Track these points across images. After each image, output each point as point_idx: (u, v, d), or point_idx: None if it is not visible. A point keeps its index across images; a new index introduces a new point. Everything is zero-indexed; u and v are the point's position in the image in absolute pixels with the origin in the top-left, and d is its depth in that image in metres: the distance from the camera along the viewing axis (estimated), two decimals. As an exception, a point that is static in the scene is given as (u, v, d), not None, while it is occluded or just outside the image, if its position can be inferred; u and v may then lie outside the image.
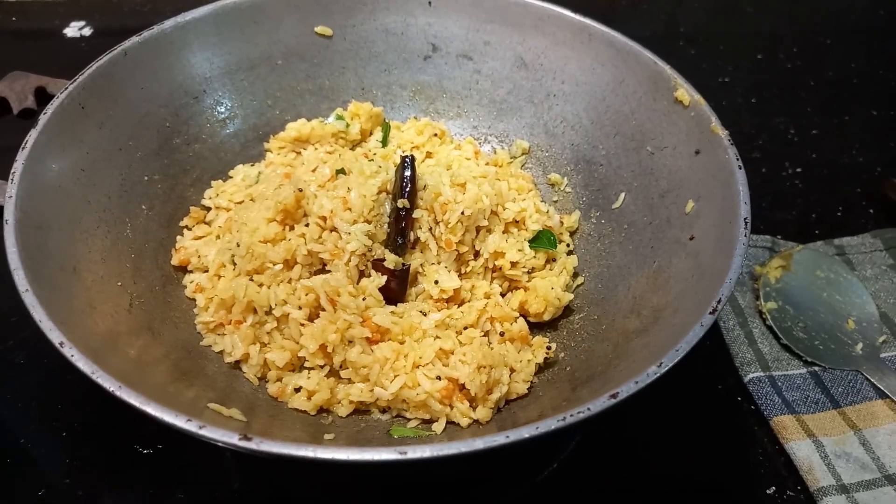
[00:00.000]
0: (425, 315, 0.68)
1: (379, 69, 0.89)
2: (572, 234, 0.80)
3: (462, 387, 0.62)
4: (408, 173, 0.70)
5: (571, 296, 0.73)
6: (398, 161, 0.73)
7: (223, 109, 0.84)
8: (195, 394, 0.59)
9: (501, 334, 0.68)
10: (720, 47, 1.30)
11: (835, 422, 0.75)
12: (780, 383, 0.78)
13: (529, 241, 0.74)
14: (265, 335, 0.67)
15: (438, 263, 0.71)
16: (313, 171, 0.76)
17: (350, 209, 0.68)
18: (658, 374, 0.50)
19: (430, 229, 0.71)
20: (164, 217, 0.76)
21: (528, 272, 0.74)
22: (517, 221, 0.75)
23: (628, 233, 0.75)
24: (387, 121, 0.89)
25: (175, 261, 0.73)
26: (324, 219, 0.69)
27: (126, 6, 1.33)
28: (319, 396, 0.63)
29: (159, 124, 0.78)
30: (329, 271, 0.68)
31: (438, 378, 0.62)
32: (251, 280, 0.68)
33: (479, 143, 0.89)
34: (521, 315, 0.72)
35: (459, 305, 0.70)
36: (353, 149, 0.85)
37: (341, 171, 0.73)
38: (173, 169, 0.78)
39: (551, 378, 0.67)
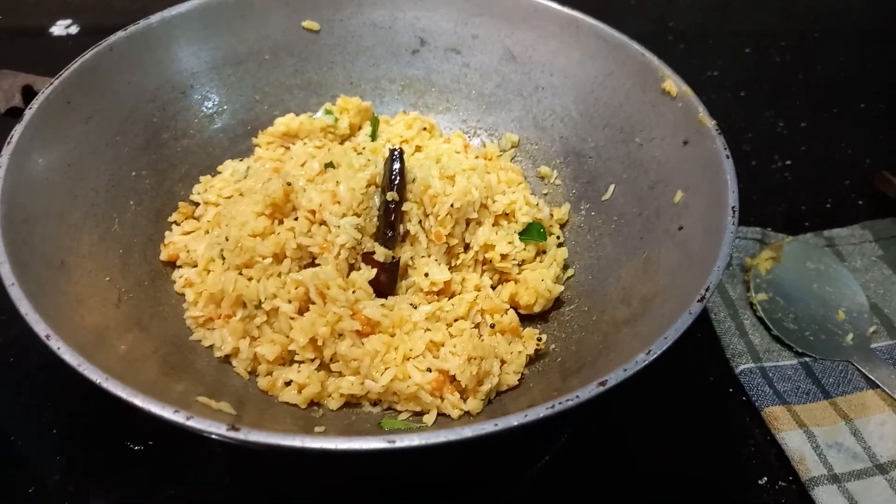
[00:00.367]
0: (415, 308, 0.67)
1: (367, 63, 0.89)
2: (562, 226, 0.80)
3: (453, 378, 0.62)
4: (397, 166, 0.70)
5: (562, 288, 0.73)
6: (387, 154, 0.73)
7: (211, 104, 0.83)
8: (184, 388, 0.59)
9: (492, 326, 0.68)
10: (710, 42, 1.31)
11: (826, 412, 0.75)
12: (771, 374, 0.78)
13: (519, 234, 0.74)
14: (255, 329, 0.67)
15: (428, 256, 0.71)
16: (302, 165, 0.76)
17: (339, 202, 0.68)
18: (647, 362, 0.50)
19: (420, 222, 0.71)
20: (153, 212, 0.75)
21: (519, 264, 0.74)
22: (507, 214, 0.75)
23: (618, 224, 0.75)
24: (375, 115, 0.88)
25: (164, 256, 0.73)
26: (313, 212, 0.69)
27: (114, 4, 1.32)
28: (310, 390, 0.63)
29: (147, 119, 0.77)
30: (318, 265, 0.68)
31: (429, 370, 0.62)
32: (240, 274, 0.67)
33: (469, 137, 0.89)
34: (511, 307, 0.72)
35: (450, 298, 0.70)
36: (342, 143, 0.85)
37: (330, 165, 0.73)
38: (161, 164, 0.78)
39: (542, 369, 0.67)
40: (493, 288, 0.73)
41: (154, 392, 0.50)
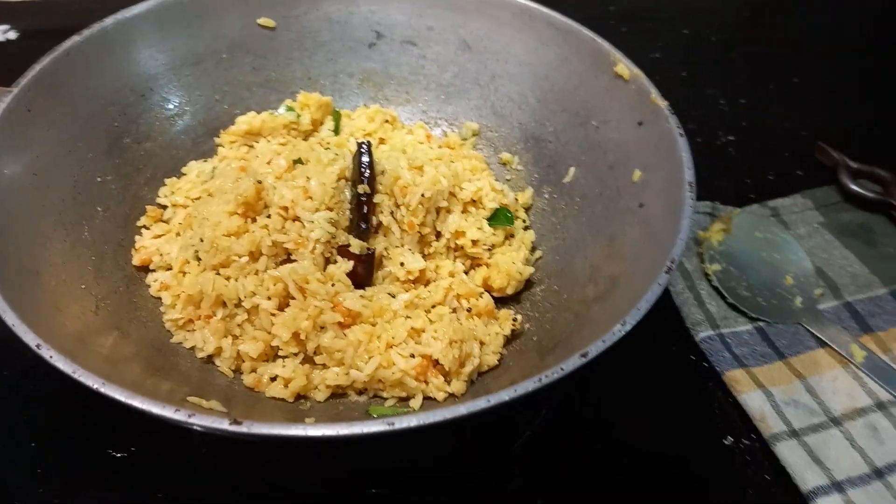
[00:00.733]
0: (394, 297, 0.69)
1: (325, 58, 0.89)
2: (527, 210, 0.83)
3: (436, 362, 0.64)
4: (366, 159, 0.71)
5: (532, 269, 0.75)
6: (354, 148, 0.74)
7: (171, 106, 0.83)
8: (171, 388, 0.59)
9: (468, 310, 0.70)
10: (649, 25, 1.35)
11: (781, 372, 0.80)
12: (729, 340, 0.82)
13: (488, 219, 0.76)
14: (236, 328, 0.68)
15: (402, 246, 0.73)
16: (268, 163, 0.76)
17: (311, 198, 0.69)
18: (623, 332, 0.52)
19: (392, 213, 0.72)
20: (121, 217, 0.75)
21: (489, 249, 0.76)
22: (474, 201, 0.77)
23: (581, 205, 0.77)
24: (337, 110, 0.89)
25: (136, 261, 0.73)
26: (285, 209, 0.69)
27: (51, 8, 1.28)
28: (296, 383, 0.64)
29: (107, 124, 0.77)
30: (294, 261, 0.69)
31: (412, 356, 0.64)
32: (218, 274, 0.68)
33: (430, 127, 0.90)
34: (485, 290, 0.74)
35: (425, 285, 0.72)
36: (305, 139, 0.86)
37: (298, 161, 0.74)
38: (125, 168, 0.77)
39: (519, 349, 0.70)
40: (466, 273, 0.75)
41: (144, 393, 0.50)
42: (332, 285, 0.67)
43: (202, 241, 0.68)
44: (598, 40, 0.77)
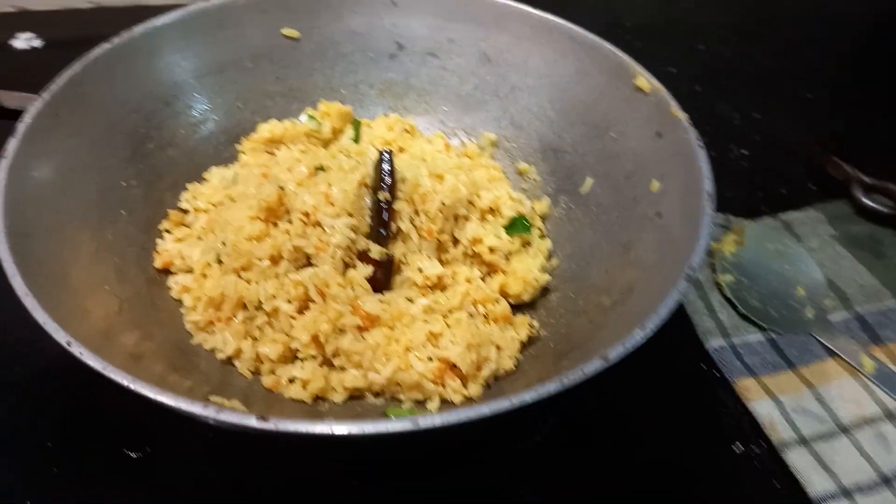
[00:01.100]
0: (412, 301, 0.70)
1: (346, 69, 0.91)
2: (544, 219, 0.84)
3: (453, 366, 0.65)
4: (387, 167, 0.72)
5: (548, 277, 0.76)
6: (373, 156, 0.75)
7: (194, 113, 0.84)
8: (192, 386, 0.61)
9: (485, 316, 0.71)
10: (663, 39, 1.36)
11: (791, 381, 0.80)
12: (739, 349, 0.83)
13: (505, 227, 0.78)
14: (256, 330, 0.69)
15: (420, 252, 0.74)
16: (289, 169, 0.78)
17: (332, 204, 0.70)
18: (644, 338, 0.53)
19: (411, 220, 0.73)
20: (143, 221, 0.76)
21: (506, 256, 0.77)
22: (492, 209, 0.78)
23: (597, 214, 0.78)
24: (357, 120, 0.91)
25: (158, 263, 0.74)
26: (307, 214, 0.71)
27: (75, 17, 1.31)
28: (314, 385, 0.65)
29: (131, 130, 0.78)
30: (314, 265, 0.70)
31: (430, 359, 0.65)
32: (239, 277, 0.69)
33: (448, 137, 0.92)
34: (501, 296, 0.75)
35: (443, 291, 0.73)
36: (325, 147, 0.87)
37: (320, 168, 0.75)
38: (148, 174, 0.79)
39: (535, 354, 0.70)
40: (483, 280, 0.76)
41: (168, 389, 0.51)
42: (352, 289, 0.68)
43: (224, 244, 0.69)
44: (618, 53, 0.78)
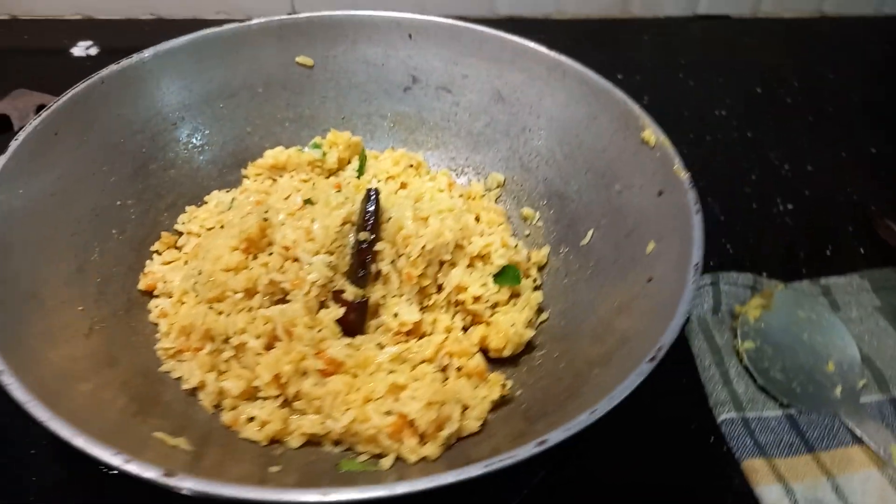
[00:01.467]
0: (382, 348, 0.68)
1: (359, 99, 0.90)
2: (541, 268, 0.80)
3: (412, 423, 0.62)
4: (371, 207, 0.71)
5: (532, 333, 0.72)
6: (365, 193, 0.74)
7: (201, 136, 0.85)
8: (145, 421, 0.60)
9: (458, 369, 0.68)
10: (720, 80, 1.30)
11: (808, 466, 0.73)
12: (753, 425, 0.77)
13: (494, 276, 0.74)
14: (222, 363, 0.68)
15: (400, 296, 0.72)
16: (286, 198, 0.77)
17: (313, 239, 0.69)
18: (589, 422, 0.49)
19: (393, 262, 0.71)
20: (136, 241, 0.77)
21: (492, 307, 0.74)
22: (482, 256, 0.75)
23: (594, 270, 0.74)
24: (364, 150, 0.89)
25: (142, 285, 0.75)
26: (287, 248, 0.70)
27: (133, 26, 1.36)
28: (271, 427, 0.63)
29: (135, 150, 0.79)
30: (290, 301, 0.69)
31: (389, 413, 0.62)
32: (211, 308, 0.68)
33: (457, 175, 0.89)
34: (482, 350, 0.72)
35: (420, 338, 0.70)
36: (328, 177, 0.86)
37: (308, 202, 0.74)
38: (148, 194, 0.79)
39: (506, 415, 0.67)
40: (466, 329, 0.73)
41: (112, 428, 0.51)
42: (319, 331, 0.66)
43: (200, 273, 0.69)
44: (628, 102, 0.74)
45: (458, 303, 0.73)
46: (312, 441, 0.65)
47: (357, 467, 0.62)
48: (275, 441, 0.65)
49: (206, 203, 0.83)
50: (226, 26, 0.84)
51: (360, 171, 0.86)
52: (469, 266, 0.74)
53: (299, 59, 0.88)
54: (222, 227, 0.77)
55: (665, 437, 0.75)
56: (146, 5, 1.33)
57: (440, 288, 0.73)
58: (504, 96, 0.85)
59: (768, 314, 0.86)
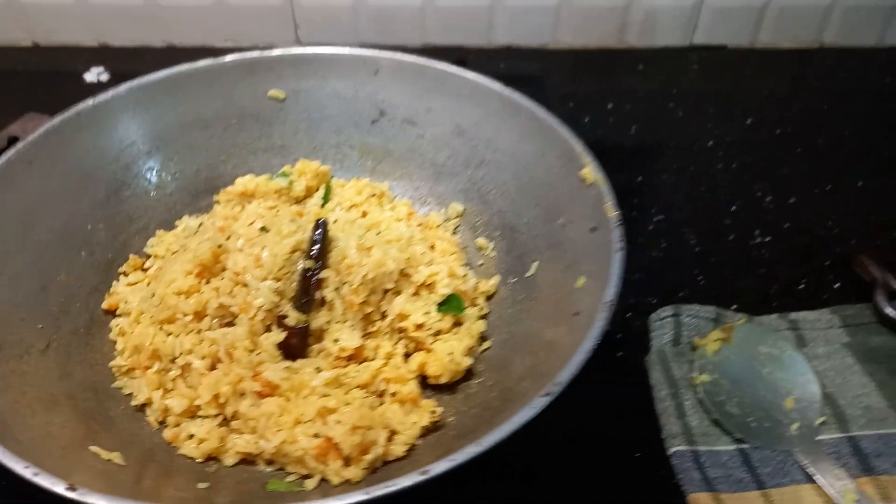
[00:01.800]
0: (320, 371, 0.70)
1: (330, 129, 0.94)
2: (490, 297, 0.82)
3: (336, 446, 0.64)
4: (317, 236, 0.74)
5: (470, 361, 0.74)
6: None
7: (175, 164, 0.89)
8: (87, 436, 0.64)
9: (393, 395, 0.70)
10: (710, 110, 1.30)
11: (755, 503, 0.73)
12: (703, 459, 0.76)
13: (438, 304, 0.76)
14: (169, 382, 0.71)
15: (344, 322, 0.74)
16: (250, 224, 0.81)
17: (261, 266, 0.72)
18: (474, 454, 0.51)
19: (337, 289, 0.74)
20: (104, 263, 0.81)
21: (435, 334, 0.76)
22: (428, 285, 0.77)
23: (535, 302, 0.76)
24: (330, 180, 0.93)
25: (105, 304, 0.79)
26: (237, 274, 0.73)
27: (144, 53, 1.42)
28: (207, 444, 0.67)
29: (109, 177, 0.84)
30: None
31: (316, 436, 0.65)
32: (161, 328, 0.72)
33: (420, 204, 0.92)
34: (422, 376, 0.74)
35: (360, 364, 0.73)
36: (293, 205, 0.90)
37: (263, 229, 0.78)
38: (119, 218, 0.84)
39: (435, 441, 0.69)
40: (409, 356, 0.76)
41: (40, 439, 0.54)
42: (258, 354, 0.69)
43: (153, 296, 0.73)
44: (571, 140, 0.76)
45: (400, 329, 0.76)
46: (247, 460, 0.68)
47: (283, 487, 0.65)
48: (211, 458, 0.68)
49: (176, 227, 0.87)
50: (200, 63, 0.89)
51: (326, 199, 0.90)
52: (414, 294, 0.77)
53: (271, 92, 0.92)
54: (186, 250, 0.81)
55: (615, 469, 0.76)
56: (160, 34, 1.40)
57: (384, 315, 0.76)
58: (464, 130, 0.88)
59: (728, 348, 0.86)
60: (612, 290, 0.61)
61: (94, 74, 1.35)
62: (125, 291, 0.79)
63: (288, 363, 0.71)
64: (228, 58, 0.89)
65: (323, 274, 0.74)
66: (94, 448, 0.61)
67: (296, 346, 0.72)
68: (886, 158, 1.18)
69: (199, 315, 0.72)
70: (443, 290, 0.77)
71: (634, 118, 1.29)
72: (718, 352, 0.85)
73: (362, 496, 0.48)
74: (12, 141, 1.12)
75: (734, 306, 0.93)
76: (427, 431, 0.70)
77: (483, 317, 0.80)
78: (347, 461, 0.65)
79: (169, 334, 0.72)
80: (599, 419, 0.80)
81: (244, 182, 0.89)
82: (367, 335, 0.75)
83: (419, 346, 0.76)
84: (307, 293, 0.73)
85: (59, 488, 0.49)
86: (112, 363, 0.74)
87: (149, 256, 0.85)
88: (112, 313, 0.79)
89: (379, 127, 0.93)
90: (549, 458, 0.74)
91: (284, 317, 0.72)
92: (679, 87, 1.36)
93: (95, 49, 1.43)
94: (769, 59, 1.42)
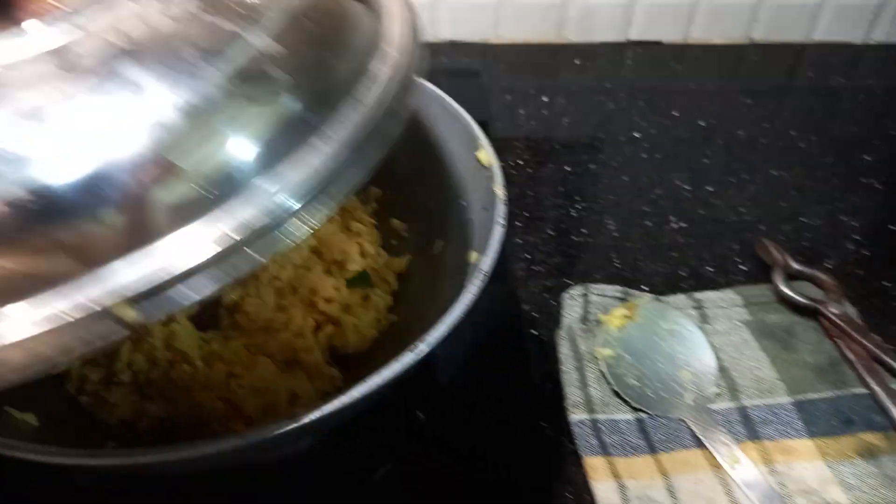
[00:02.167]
0: (228, 341, 0.75)
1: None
2: (400, 275, 0.87)
3: (240, 409, 0.69)
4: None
5: (375, 333, 0.79)
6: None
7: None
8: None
9: (299, 363, 0.75)
10: (640, 104, 1.35)
11: (646, 466, 0.78)
12: (601, 426, 0.81)
13: (347, 280, 0.81)
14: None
15: (259, 297, 0.79)
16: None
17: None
18: (335, 408, 0.55)
19: (251, 266, 0.78)
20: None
21: (344, 308, 0.80)
22: (338, 262, 0.82)
23: (440, 279, 0.80)
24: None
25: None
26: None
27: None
28: (120, 410, 0.71)
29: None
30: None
31: (221, 400, 0.69)
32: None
33: (341, 188, 0.96)
34: (332, 347, 0.79)
35: (270, 334, 0.77)
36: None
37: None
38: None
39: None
40: (319, 328, 0.80)
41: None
42: (173, 325, 0.74)
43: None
44: (471, 125, 0.81)
45: (311, 303, 0.80)
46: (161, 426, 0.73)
47: (191, 446, 0.69)
48: (125, 423, 0.72)
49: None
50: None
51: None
52: (326, 271, 0.81)
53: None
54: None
55: (519, 437, 0.81)
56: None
57: (295, 289, 0.80)
58: (381, 117, 0.92)
59: (632, 324, 0.91)
60: (488, 260, 0.65)
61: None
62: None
63: (200, 334, 0.75)
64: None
65: (237, 251, 0.78)
66: (8, 408, 0.65)
67: (208, 318, 0.76)
68: (800, 151, 1.24)
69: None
70: (353, 268, 0.81)
71: (567, 111, 1.35)
72: (623, 328, 0.91)
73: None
74: None
75: (645, 287, 0.98)
76: (328, 397, 0.74)
77: (393, 294, 0.85)
78: (250, 423, 0.69)
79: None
80: (509, 392, 0.86)
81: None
82: (279, 309, 0.79)
83: (328, 319, 0.80)
84: (220, 268, 0.77)
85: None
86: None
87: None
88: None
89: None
90: (461, 428, 0.80)
91: (198, 290, 0.76)
92: (612, 81, 1.42)
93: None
94: (701, 55, 1.48)
